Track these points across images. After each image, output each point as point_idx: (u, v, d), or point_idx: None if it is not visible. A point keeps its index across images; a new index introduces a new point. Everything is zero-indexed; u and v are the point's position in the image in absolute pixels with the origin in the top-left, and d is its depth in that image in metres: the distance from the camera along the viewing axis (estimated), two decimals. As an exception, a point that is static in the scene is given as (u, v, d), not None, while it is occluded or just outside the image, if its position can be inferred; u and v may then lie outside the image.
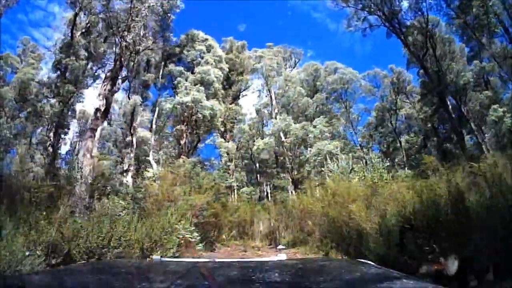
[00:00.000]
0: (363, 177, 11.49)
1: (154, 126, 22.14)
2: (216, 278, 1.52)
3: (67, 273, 1.90)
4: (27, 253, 5.63)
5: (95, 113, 13.31)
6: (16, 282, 1.48)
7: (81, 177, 9.97)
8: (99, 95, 13.96)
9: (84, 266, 2.13)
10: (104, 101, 13.48)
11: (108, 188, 11.40)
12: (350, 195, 9.54)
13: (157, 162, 20.25)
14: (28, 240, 5.86)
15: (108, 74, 14.98)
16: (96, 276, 1.71)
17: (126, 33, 14.77)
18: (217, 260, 2.66)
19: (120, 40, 14.91)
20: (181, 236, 8.15)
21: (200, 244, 9.28)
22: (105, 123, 39.80)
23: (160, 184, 11.24)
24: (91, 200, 9.65)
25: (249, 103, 56.90)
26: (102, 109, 13.35)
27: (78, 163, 11.68)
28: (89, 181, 10.62)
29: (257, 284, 1.54)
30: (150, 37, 16.45)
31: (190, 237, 8.43)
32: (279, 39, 35.15)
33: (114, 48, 15.41)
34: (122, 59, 14.94)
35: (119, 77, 14.83)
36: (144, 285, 1.51)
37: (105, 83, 14.21)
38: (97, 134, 12.94)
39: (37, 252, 5.86)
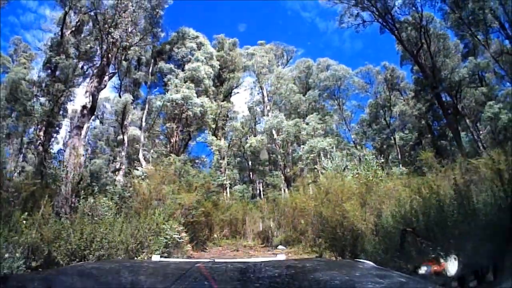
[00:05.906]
0: (356, 175, 11.28)
1: (143, 123, 21.74)
2: (215, 278, 1.54)
3: (67, 273, 1.87)
4: (6, 255, 5.42)
5: (82, 110, 12.93)
6: (16, 282, 1.47)
7: (66, 175, 9.58)
8: (86, 92, 13.61)
9: (83, 266, 2.10)
10: (91, 98, 13.12)
11: (94, 187, 11.08)
12: (344, 193, 9.35)
13: (148, 160, 19.90)
14: (7, 241, 5.60)
15: (95, 71, 14.65)
16: (96, 276, 1.71)
17: (112, 29, 14.41)
18: (216, 260, 2.69)
19: (106, 36, 14.53)
20: (169, 237, 7.84)
21: (188, 245, 8.96)
22: (97, 122, 39.93)
23: (148, 182, 10.91)
24: (77, 200, 9.34)
25: (241, 101, 56.58)
26: (89, 106, 12.98)
27: (64, 161, 11.27)
28: (76, 180, 10.30)
29: (256, 285, 1.54)
30: (138, 33, 16.04)
31: (178, 238, 8.11)
32: (269, 39, 34.71)
33: (101, 45, 14.96)
34: (109, 55, 14.59)
35: (106, 74, 14.43)
36: (144, 285, 1.54)
37: (92, 80, 13.87)
38: (83, 131, 12.57)
39: (17, 254, 5.61)
